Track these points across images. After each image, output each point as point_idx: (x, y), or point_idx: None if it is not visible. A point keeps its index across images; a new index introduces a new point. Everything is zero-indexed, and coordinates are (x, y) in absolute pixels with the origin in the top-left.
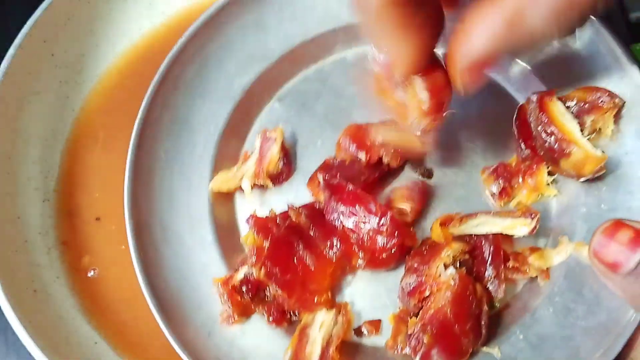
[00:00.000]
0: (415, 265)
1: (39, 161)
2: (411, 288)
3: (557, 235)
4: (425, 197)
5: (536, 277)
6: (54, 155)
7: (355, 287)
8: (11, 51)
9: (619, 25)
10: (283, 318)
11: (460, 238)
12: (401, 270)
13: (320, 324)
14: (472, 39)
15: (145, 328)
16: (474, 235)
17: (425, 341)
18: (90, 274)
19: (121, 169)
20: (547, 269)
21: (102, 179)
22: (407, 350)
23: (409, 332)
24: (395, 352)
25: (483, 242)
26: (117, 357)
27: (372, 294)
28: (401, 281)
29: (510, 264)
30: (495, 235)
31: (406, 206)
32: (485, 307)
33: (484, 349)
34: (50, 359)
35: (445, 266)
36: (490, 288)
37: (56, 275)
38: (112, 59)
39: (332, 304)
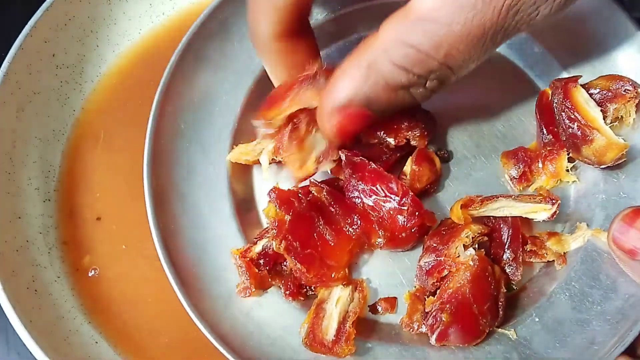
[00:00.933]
0: (434, 245)
1: (39, 161)
2: (430, 267)
3: (575, 221)
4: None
5: (553, 261)
6: (54, 155)
7: (372, 265)
8: (12, 51)
9: None
10: (299, 292)
11: (479, 220)
12: (417, 251)
13: (337, 300)
14: (335, 86)
15: (145, 328)
16: (493, 218)
17: (443, 319)
18: (91, 273)
19: (122, 168)
20: (564, 253)
21: (103, 178)
22: (423, 328)
23: (426, 310)
24: (411, 330)
25: (502, 225)
26: (117, 357)
27: (388, 273)
28: (419, 260)
29: (528, 247)
30: (514, 218)
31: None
32: (503, 289)
33: (500, 330)
34: (51, 358)
35: (465, 247)
36: (508, 270)
37: (57, 275)
38: (112, 59)
39: (349, 280)
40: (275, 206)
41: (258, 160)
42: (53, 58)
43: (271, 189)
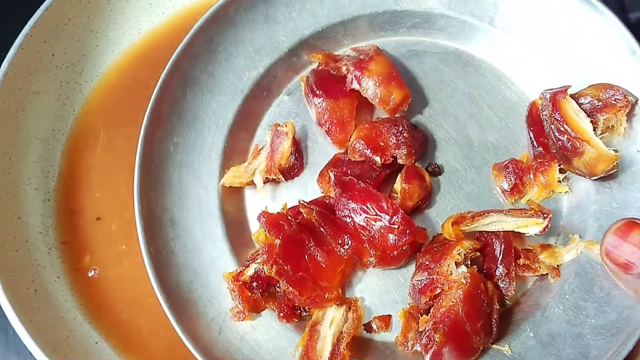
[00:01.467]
0: (427, 262)
1: (39, 161)
2: (422, 285)
3: (567, 233)
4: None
5: (547, 274)
6: (54, 155)
7: (365, 283)
8: (12, 51)
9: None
10: (293, 314)
11: (471, 235)
12: (411, 267)
13: (331, 321)
14: None
15: (145, 328)
16: (485, 232)
17: (437, 339)
18: (91, 273)
19: (122, 168)
20: (558, 266)
21: (102, 178)
22: (418, 347)
23: (419, 330)
24: (406, 348)
25: (494, 240)
26: (117, 357)
27: (381, 290)
28: (412, 278)
29: (521, 261)
30: (506, 232)
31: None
32: (497, 305)
33: (495, 346)
34: (51, 358)
35: (457, 264)
36: (501, 286)
37: (56, 275)
38: (112, 59)
39: (342, 300)
40: (265, 230)
41: (251, 181)
42: (53, 58)
43: (260, 214)
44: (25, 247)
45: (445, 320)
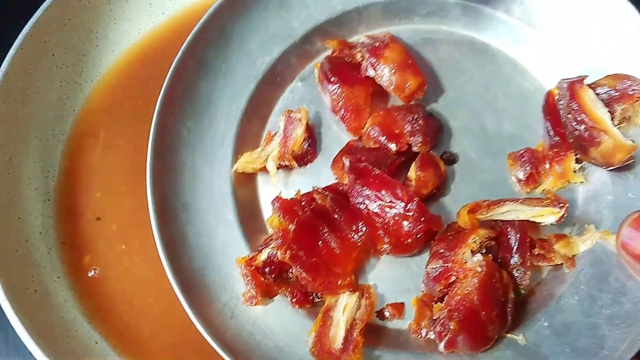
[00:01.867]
0: (441, 250)
1: (39, 161)
2: (437, 273)
3: (583, 223)
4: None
5: (561, 264)
6: (54, 155)
7: (379, 271)
8: (12, 51)
9: None
10: (306, 299)
11: (486, 224)
12: (424, 255)
13: (344, 307)
14: None
15: (145, 328)
16: (500, 221)
17: (451, 327)
18: (91, 274)
19: (122, 168)
20: (573, 256)
21: (103, 178)
22: (431, 335)
23: (433, 318)
24: (419, 336)
25: (509, 229)
26: (117, 357)
27: (395, 278)
28: (426, 266)
29: (536, 251)
30: (521, 222)
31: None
32: (511, 295)
33: (509, 335)
34: (51, 358)
35: (472, 252)
36: (516, 275)
37: (56, 275)
38: (112, 59)
39: (355, 286)
40: (279, 216)
41: (264, 167)
42: (53, 58)
43: (274, 199)
44: (25, 247)
45: (460, 308)
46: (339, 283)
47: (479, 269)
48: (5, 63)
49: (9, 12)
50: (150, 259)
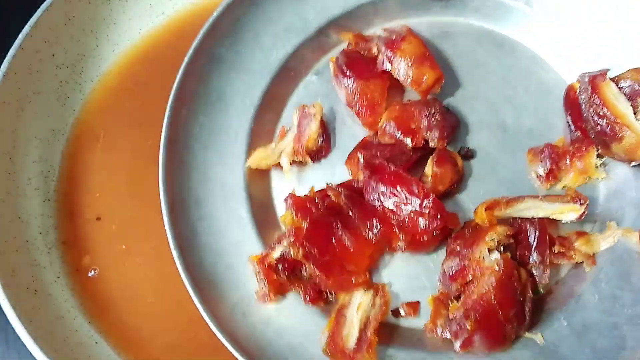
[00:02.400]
0: (458, 248)
1: (39, 161)
2: (454, 272)
3: (604, 220)
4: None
5: (582, 262)
6: (54, 155)
7: (393, 268)
8: (12, 51)
9: None
10: (319, 297)
11: (504, 221)
12: (441, 253)
13: (358, 306)
14: None
15: (145, 328)
16: (519, 218)
17: (468, 327)
18: (91, 273)
19: (122, 168)
20: (594, 254)
21: (103, 178)
22: (447, 334)
23: (450, 317)
24: (435, 335)
25: (528, 227)
26: (117, 357)
27: (410, 275)
28: (443, 264)
29: (556, 249)
30: (541, 219)
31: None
32: (530, 294)
33: (527, 334)
34: (51, 358)
35: (490, 250)
36: (535, 273)
37: (56, 275)
38: (112, 59)
39: (369, 284)
40: (292, 213)
41: (277, 163)
42: (53, 58)
43: (287, 196)
44: (25, 247)
45: (477, 307)
46: (352, 281)
47: (497, 268)
48: (5, 63)
49: (9, 12)
50: (150, 259)
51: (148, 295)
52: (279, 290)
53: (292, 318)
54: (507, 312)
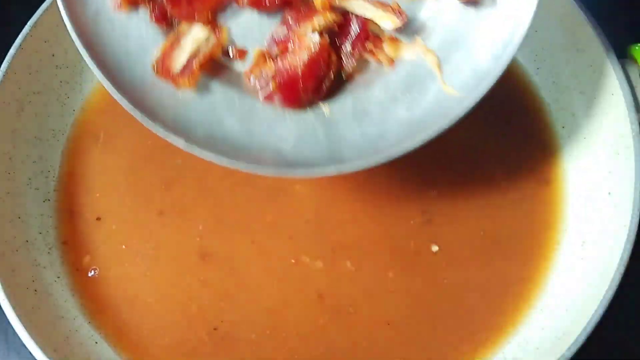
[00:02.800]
0: (290, 21)
1: (39, 161)
2: (279, 38)
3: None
4: None
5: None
6: (54, 155)
7: (243, 19)
8: (11, 51)
9: (618, 25)
10: (164, 19)
11: (337, 10)
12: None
13: (194, 37)
14: None
15: (145, 328)
16: (351, 12)
17: (271, 87)
18: (91, 273)
19: (122, 168)
20: (394, 60)
21: (103, 178)
22: (258, 85)
23: (262, 73)
24: (249, 83)
25: (354, 21)
26: (117, 357)
27: (249, 28)
28: (275, 29)
29: (368, 46)
30: (367, 19)
31: None
32: (332, 75)
33: (320, 103)
34: (51, 358)
35: (313, 30)
36: (344, 60)
37: (56, 275)
38: None
39: (211, 23)
40: None
41: None
42: (53, 58)
43: None
44: (25, 247)
45: (284, 73)
46: (195, 16)
47: (312, 48)
48: (5, 63)
49: (9, 12)
50: (151, 259)
51: (148, 295)
52: (130, 1)
53: (136, 29)
54: (307, 85)
